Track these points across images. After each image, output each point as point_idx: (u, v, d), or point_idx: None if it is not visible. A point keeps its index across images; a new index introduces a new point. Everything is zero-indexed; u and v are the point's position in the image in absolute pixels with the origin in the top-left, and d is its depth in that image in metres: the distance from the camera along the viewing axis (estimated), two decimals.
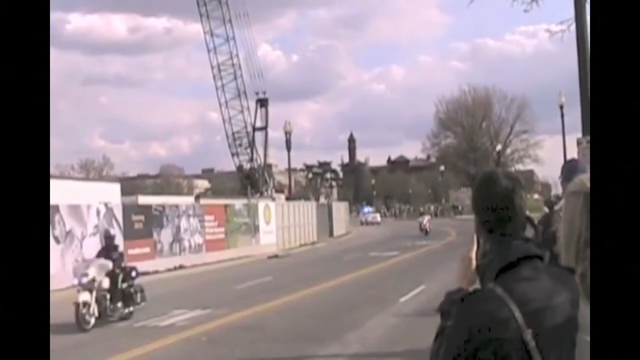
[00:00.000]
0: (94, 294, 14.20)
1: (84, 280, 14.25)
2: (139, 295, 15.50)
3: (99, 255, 15.51)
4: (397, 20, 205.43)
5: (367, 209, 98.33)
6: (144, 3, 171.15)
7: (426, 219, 51.06)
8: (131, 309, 15.19)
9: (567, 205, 2.32)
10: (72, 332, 13.39)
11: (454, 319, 2.07)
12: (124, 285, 15.06)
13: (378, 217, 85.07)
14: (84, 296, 14.01)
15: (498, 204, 2.18)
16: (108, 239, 16.12)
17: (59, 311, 15.54)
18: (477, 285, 2.21)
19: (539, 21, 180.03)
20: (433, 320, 2.22)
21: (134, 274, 15.64)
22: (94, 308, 14.12)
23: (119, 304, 14.81)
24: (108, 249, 15.57)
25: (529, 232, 2.24)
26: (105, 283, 14.54)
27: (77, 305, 13.81)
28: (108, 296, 14.52)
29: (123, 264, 15.55)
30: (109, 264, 14.88)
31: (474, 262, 2.26)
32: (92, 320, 14.00)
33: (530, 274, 2.11)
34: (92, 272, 14.42)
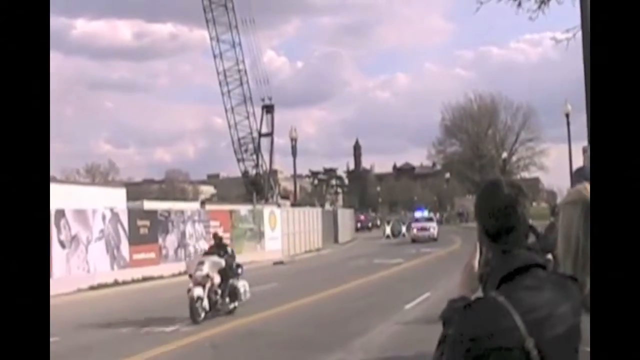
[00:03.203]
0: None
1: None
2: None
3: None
4: (401, 27, 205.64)
5: (421, 212, 62.30)
6: (149, 9, 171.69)
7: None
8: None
9: (564, 216, 2.31)
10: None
11: (456, 327, 2.07)
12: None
13: (433, 230, 51.83)
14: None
15: (501, 212, 2.18)
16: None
17: (67, 315, 15.61)
18: (479, 294, 2.21)
19: (544, 29, 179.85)
20: (437, 328, 2.23)
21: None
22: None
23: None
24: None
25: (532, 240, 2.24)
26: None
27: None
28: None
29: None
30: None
31: (476, 270, 2.27)
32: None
33: (533, 282, 2.11)
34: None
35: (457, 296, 2.25)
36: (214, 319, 15.19)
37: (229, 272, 16.05)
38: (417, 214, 60.68)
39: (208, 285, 15.38)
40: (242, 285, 16.40)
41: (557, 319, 2.06)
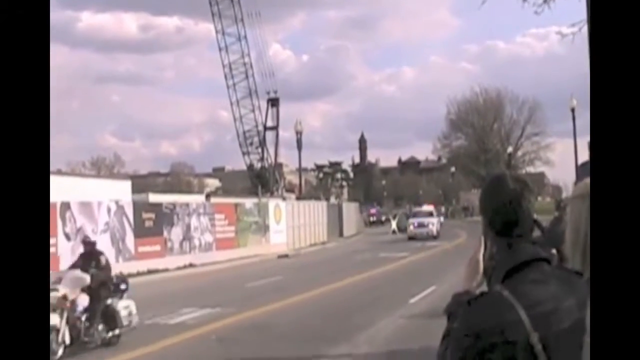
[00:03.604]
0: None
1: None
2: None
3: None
4: (407, 21, 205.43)
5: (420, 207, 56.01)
6: (154, 2, 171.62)
7: None
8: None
9: (572, 210, 2.30)
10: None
11: (461, 321, 2.08)
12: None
13: (433, 226, 45.36)
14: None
15: (506, 206, 2.18)
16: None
17: None
18: (484, 288, 2.21)
19: (550, 23, 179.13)
20: (442, 322, 2.23)
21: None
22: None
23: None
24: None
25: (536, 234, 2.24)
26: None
27: None
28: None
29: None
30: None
31: (481, 265, 2.27)
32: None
33: (538, 276, 2.11)
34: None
35: (462, 290, 2.25)
36: (81, 355, 11.37)
37: (101, 290, 11.84)
38: (416, 209, 54.59)
39: (67, 310, 11.14)
40: (124, 306, 12.24)
41: (562, 313, 2.06)
